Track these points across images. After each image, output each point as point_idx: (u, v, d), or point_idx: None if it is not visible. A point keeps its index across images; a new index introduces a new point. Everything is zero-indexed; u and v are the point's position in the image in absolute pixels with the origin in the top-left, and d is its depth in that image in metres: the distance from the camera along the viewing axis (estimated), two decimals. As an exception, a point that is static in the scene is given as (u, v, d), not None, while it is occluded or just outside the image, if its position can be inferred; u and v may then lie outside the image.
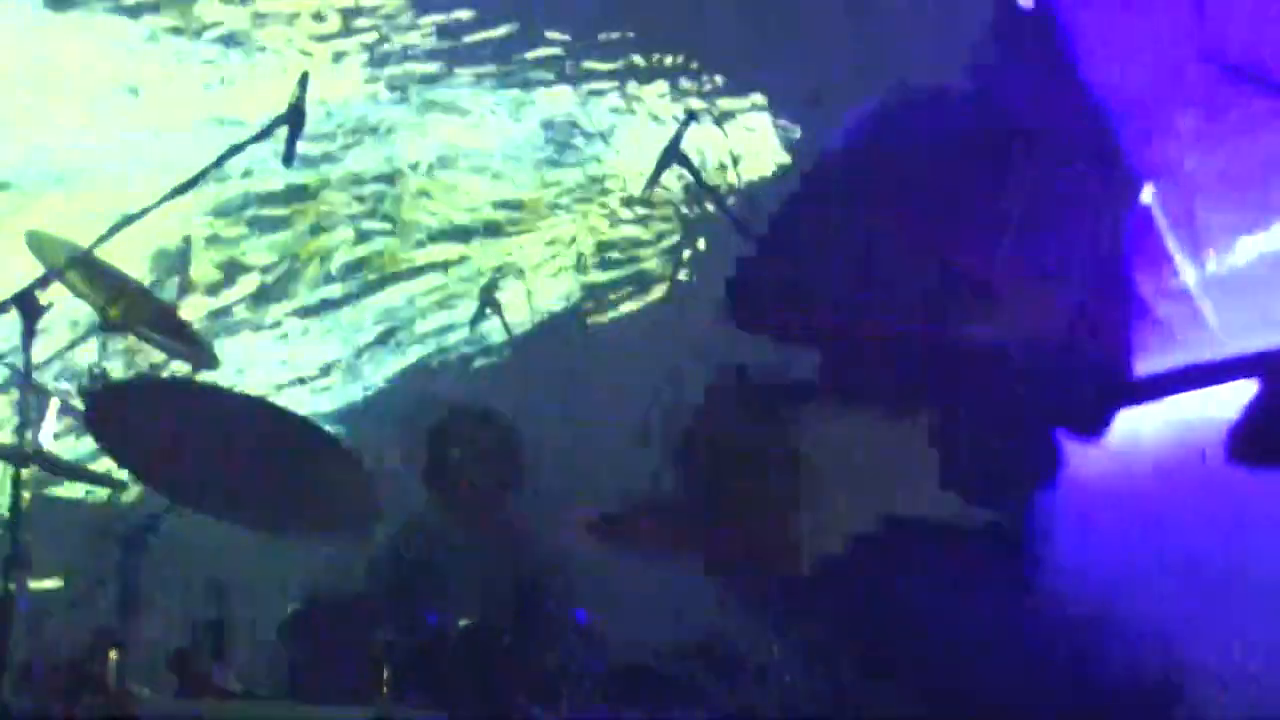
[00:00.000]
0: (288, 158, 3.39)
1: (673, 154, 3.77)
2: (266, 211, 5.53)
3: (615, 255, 5.66)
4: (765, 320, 3.12)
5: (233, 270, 5.46)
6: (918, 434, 2.83)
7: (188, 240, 4.28)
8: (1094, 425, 2.89)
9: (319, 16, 5.28)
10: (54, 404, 3.60)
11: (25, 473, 3.33)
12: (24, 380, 3.41)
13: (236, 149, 3.36)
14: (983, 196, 2.99)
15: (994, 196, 2.96)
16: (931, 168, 3.00)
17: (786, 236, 3.17)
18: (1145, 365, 2.95)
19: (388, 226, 5.69)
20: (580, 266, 5.66)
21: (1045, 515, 2.76)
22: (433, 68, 5.57)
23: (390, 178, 5.70)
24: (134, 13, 5.12)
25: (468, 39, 5.47)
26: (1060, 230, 3.00)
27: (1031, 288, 2.89)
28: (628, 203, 5.86)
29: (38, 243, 3.54)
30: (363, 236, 5.74)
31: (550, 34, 5.60)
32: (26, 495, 3.33)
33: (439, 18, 5.44)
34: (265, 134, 3.37)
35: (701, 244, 5.61)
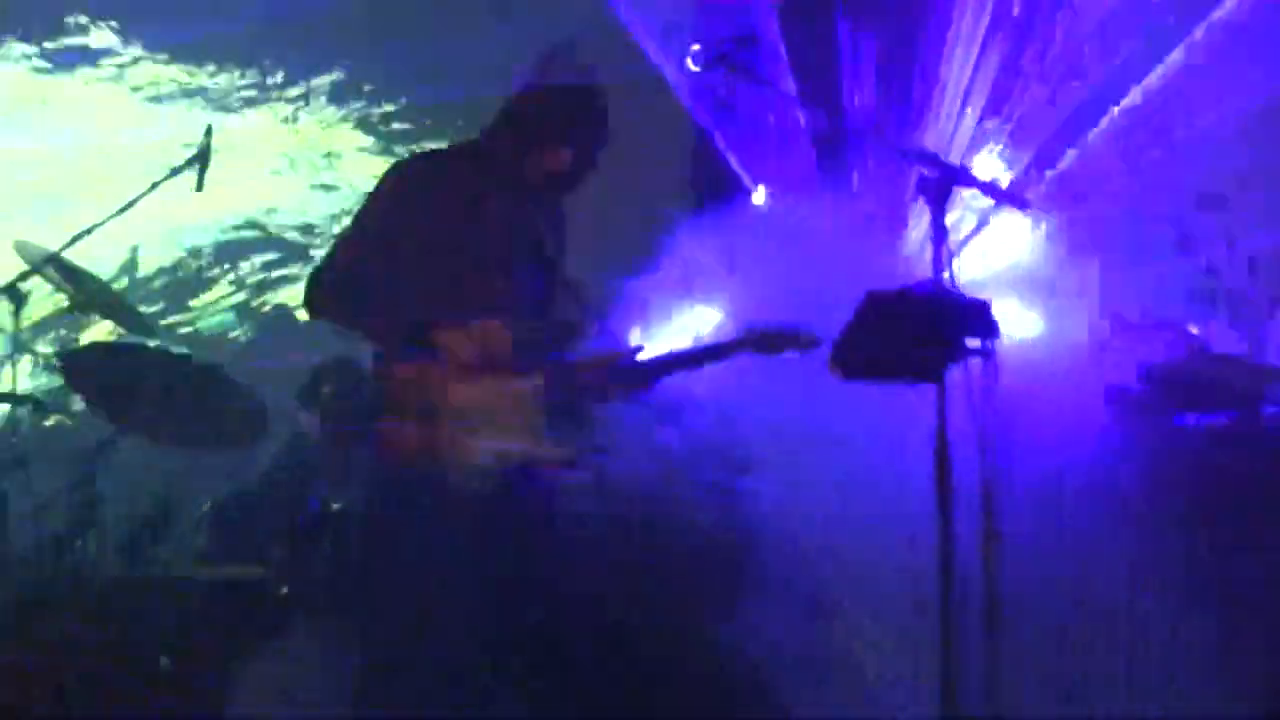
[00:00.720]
0: (199, 186, 4.37)
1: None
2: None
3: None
4: (336, 311, 3.35)
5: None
6: (531, 396, 3.26)
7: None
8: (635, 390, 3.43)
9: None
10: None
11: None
12: (13, 344, 4.51)
13: (163, 179, 4.34)
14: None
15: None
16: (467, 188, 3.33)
17: (358, 238, 3.36)
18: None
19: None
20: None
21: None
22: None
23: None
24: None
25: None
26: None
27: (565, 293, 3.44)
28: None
29: (23, 249, 4.42)
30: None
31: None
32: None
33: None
34: (182, 169, 4.34)
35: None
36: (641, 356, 3.45)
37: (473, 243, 3.31)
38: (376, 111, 6.49)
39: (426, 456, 3.17)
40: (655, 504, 3.89)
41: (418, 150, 3.65)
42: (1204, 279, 4.21)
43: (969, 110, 4.83)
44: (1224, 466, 3.80)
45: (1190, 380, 3.96)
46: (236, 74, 6.26)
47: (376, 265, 3.29)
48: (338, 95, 6.45)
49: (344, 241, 3.38)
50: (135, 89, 6.22)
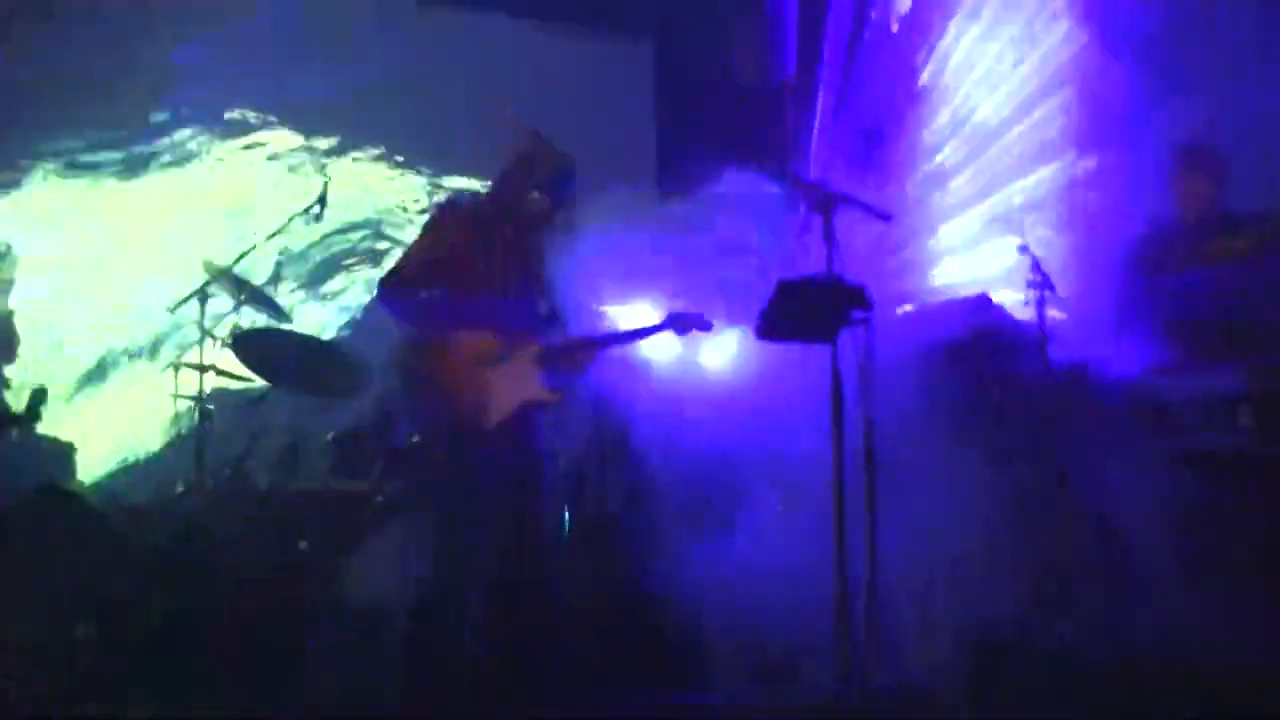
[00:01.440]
0: (319, 218, 5.75)
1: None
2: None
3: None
4: (395, 304, 4.52)
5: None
6: (530, 361, 4.54)
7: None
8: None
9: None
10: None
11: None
12: (203, 332, 5.94)
13: (295, 215, 5.77)
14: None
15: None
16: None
17: (415, 253, 4.56)
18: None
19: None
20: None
21: None
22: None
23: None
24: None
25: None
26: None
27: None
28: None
29: (207, 265, 5.86)
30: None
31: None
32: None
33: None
34: (308, 209, 5.71)
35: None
36: (599, 336, 4.76)
37: (487, 260, 4.57)
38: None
39: (463, 404, 4.45)
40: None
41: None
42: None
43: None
44: (1021, 394, 5.03)
45: (997, 336, 5.15)
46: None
47: (423, 274, 4.51)
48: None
49: (406, 254, 4.60)
50: (271, 158, 8.19)
